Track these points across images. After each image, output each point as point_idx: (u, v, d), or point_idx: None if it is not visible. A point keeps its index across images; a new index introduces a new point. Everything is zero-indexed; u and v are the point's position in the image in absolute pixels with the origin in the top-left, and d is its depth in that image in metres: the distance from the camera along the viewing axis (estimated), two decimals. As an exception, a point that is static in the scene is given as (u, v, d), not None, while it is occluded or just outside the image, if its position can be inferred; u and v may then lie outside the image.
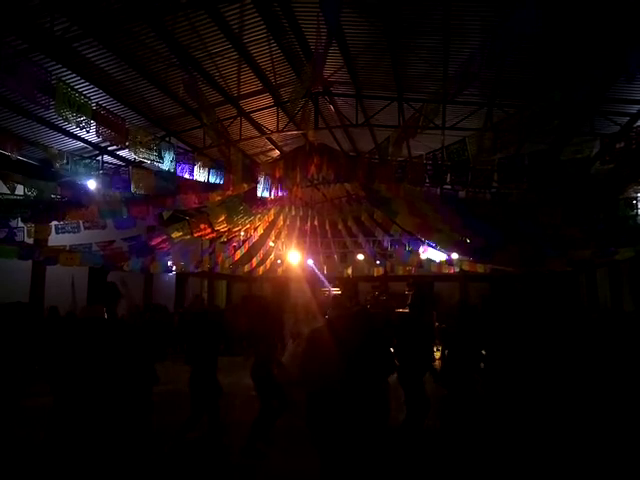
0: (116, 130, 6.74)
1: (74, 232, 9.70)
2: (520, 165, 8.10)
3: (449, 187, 10.12)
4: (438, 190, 10.66)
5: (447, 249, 14.47)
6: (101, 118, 6.52)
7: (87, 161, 8.63)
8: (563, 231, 9.00)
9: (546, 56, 8.09)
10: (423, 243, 15.86)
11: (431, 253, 17.28)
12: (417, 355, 5.71)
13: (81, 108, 6.03)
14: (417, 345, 5.74)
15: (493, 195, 9.85)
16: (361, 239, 16.72)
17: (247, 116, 11.33)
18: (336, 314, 4.47)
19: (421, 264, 17.56)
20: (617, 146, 7.34)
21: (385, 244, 16.58)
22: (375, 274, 19.01)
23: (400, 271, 18.85)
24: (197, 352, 5.64)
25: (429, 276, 19.86)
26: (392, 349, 5.44)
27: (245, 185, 9.51)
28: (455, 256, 15.54)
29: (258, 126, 11.74)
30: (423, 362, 5.78)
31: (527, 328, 8.18)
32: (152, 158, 7.22)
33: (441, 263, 17.43)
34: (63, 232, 9.70)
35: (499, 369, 6.67)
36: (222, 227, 11.60)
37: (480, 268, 16.36)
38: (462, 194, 10.25)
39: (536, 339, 7.97)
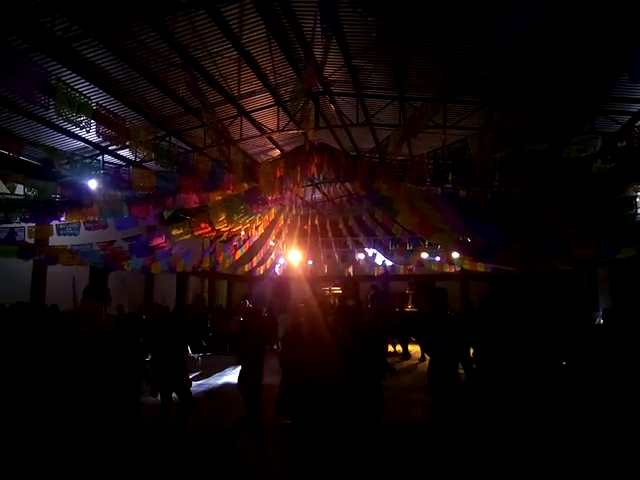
0: (116, 130, 6.73)
1: (74, 234, 9.67)
2: (522, 164, 8.08)
3: (450, 186, 10.10)
4: (439, 189, 10.63)
5: (448, 248, 14.43)
6: (101, 118, 6.51)
7: (87, 161, 8.62)
8: (563, 230, 8.98)
9: (548, 55, 8.06)
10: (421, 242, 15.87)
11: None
12: (449, 354, 5.47)
13: (81, 108, 6.02)
14: (449, 344, 5.49)
15: (494, 194, 9.83)
16: (362, 238, 16.69)
17: (247, 115, 11.32)
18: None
19: (422, 263, 17.53)
20: (618, 145, 7.32)
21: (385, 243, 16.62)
22: (375, 274, 19.00)
23: (401, 270, 18.84)
24: (241, 353, 5.76)
25: (430, 275, 19.84)
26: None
27: (245, 185, 9.49)
28: (456, 255, 15.50)
29: (258, 125, 11.73)
30: (455, 360, 5.52)
31: (529, 327, 8.17)
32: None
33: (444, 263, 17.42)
34: (64, 234, 9.67)
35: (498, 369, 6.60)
36: (222, 226, 11.58)
37: (481, 267, 16.31)
38: (463, 193, 10.22)
39: (538, 338, 7.96)
